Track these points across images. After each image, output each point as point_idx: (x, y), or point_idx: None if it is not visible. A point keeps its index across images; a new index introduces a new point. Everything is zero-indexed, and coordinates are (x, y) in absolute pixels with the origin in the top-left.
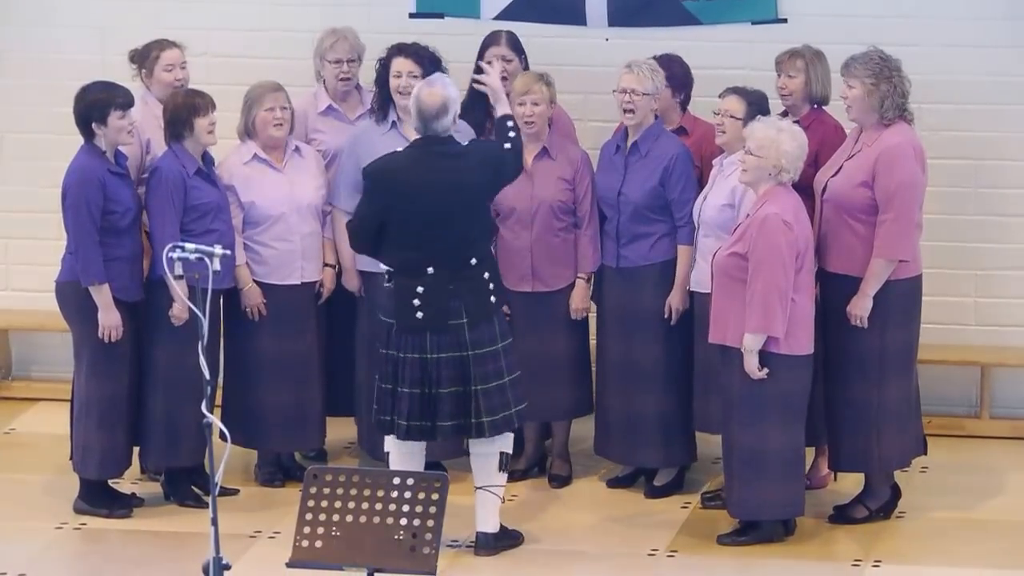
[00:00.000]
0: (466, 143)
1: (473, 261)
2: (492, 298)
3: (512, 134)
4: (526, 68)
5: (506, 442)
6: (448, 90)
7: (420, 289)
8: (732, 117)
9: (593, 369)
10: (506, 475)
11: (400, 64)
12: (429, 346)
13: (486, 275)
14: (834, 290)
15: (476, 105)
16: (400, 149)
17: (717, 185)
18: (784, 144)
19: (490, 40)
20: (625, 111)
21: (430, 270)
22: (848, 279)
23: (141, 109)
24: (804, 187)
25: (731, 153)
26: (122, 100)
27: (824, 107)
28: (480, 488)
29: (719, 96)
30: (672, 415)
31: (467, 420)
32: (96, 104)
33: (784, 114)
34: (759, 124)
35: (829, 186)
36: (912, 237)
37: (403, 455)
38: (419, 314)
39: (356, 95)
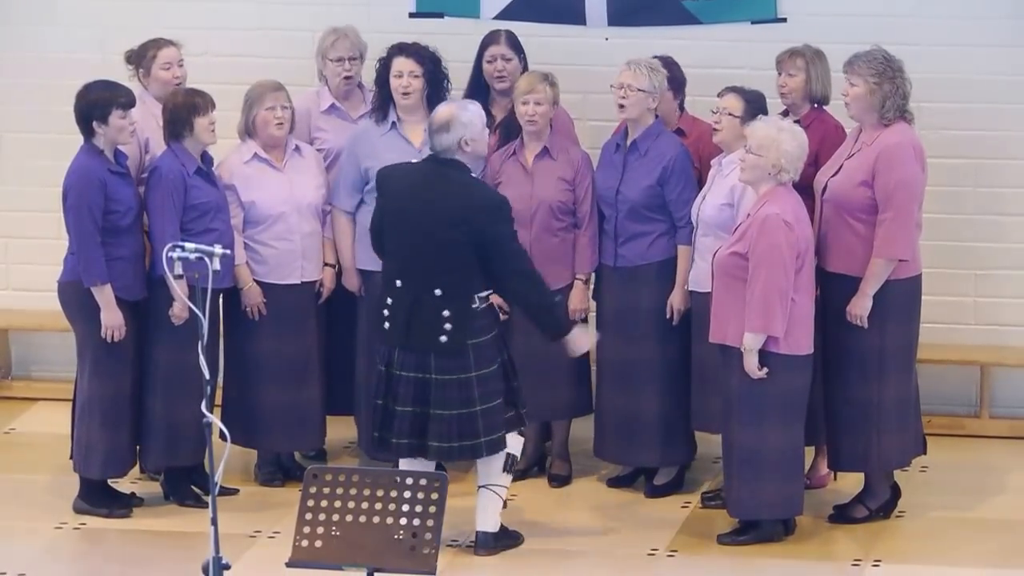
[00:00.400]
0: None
1: (437, 292)
2: (443, 338)
3: (558, 298)
4: (525, 67)
5: (514, 444)
6: (462, 114)
7: (389, 300)
8: (730, 115)
9: (593, 369)
10: (510, 476)
11: (401, 64)
12: (396, 361)
13: (445, 312)
14: (834, 290)
15: (476, 99)
16: (415, 147)
17: (716, 185)
18: (784, 144)
19: (489, 39)
20: (619, 106)
21: (398, 283)
22: (848, 279)
23: (139, 109)
24: (804, 187)
25: (728, 152)
26: (124, 100)
27: (824, 107)
28: (483, 486)
29: (717, 95)
30: (671, 414)
31: (420, 441)
32: (98, 103)
33: (785, 113)
34: (760, 123)
35: (829, 186)
36: (911, 236)
37: (413, 464)
38: (386, 324)
39: (359, 94)
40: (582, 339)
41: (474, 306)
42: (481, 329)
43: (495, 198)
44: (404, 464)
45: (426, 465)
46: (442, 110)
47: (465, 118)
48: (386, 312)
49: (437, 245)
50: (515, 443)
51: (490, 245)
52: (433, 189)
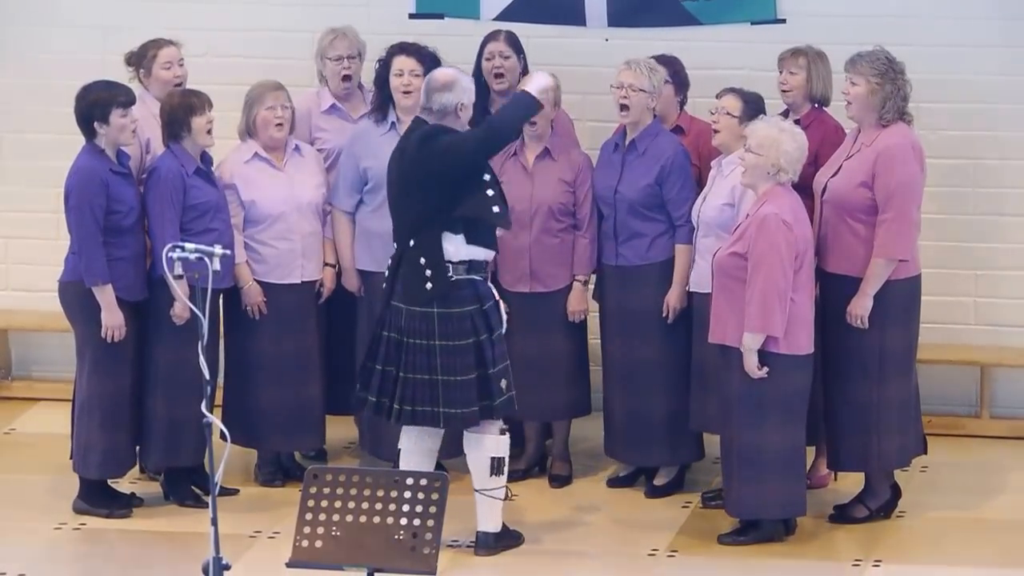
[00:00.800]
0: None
1: (411, 243)
2: (428, 285)
3: (506, 113)
4: (525, 68)
5: (496, 447)
6: (463, 78)
7: (389, 261)
8: (729, 114)
9: (596, 369)
10: (503, 477)
11: (402, 62)
12: (385, 322)
13: (422, 260)
14: (834, 290)
15: (475, 102)
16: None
17: (717, 185)
18: (784, 144)
19: (489, 37)
20: (620, 107)
21: (395, 245)
22: (847, 279)
23: (140, 109)
24: (803, 187)
25: (727, 153)
26: (124, 99)
27: (825, 107)
28: (477, 491)
29: (716, 96)
30: (676, 414)
31: (389, 401)
32: (98, 103)
33: (785, 113)
34: (761, 123)
35: (829, 186)
36: (911, 237)
37: (415, 452)
38: (384, 284)
39: (359, 94)
40: (538, 78)
41: (448, 274)
42: (457, 300)
43: (429, 129)
44: (409, 442)
45: (435, 442)
46: (444, 70)
47: (465, 83)
48: (386, 272)
49: (404, 197)
50: (497, 445)
51: (438, 169)
52: (406, 145)
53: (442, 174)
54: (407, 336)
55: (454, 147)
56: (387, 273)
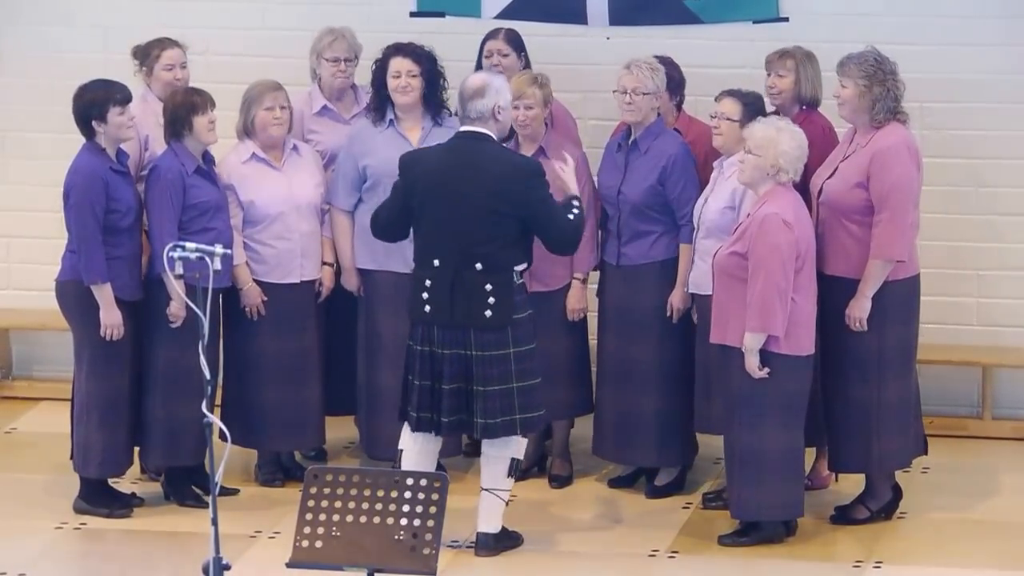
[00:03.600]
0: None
1: (478, 266)
2: (488, 312)
3: (575, 211)
4: (526, 66)
5: (518, 448)
6: (495, 80)
7: (428, 282)
8: (728, 119)
9: (594, 368)
10: (513, 480)
11: (399, 64)
12: (437, 340)
13: (488, 287)
14: (832, 293)
15: None
16: (413, 146)
17: (718, 187)
18: (783, 144)
19: (489, 35)
20: (626, 111)
21: (436, 263)
22: (845, 281)
23: (140, 106)
24: (801, 188)
25: (729, 155)
26: (120, 96)
27: (816, 108)
28: (486, 489)
29: (715, 99)
30: (671, 415)
31: (469, 418)
32: (95, 102)
33: (775, 114)
34: (759, 124)
35: (825, 188)
36: (908, 237)
37: (417, 453)
38: (427, 307)
39: (351, 94)
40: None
41: (515, 280)
42: (521, 304)
43: (531, 162)
44: (410, 442)
45: (436, 443)
46: (475, 77)
47: (498, 84)
48: (425, 295)
49: (477, 218)
50: (520, 447)
51: (532, 207)
52: (468, 163)
53: (530, 219)
54: (477, 349)
55: (559, 224)
56: (428, 295)
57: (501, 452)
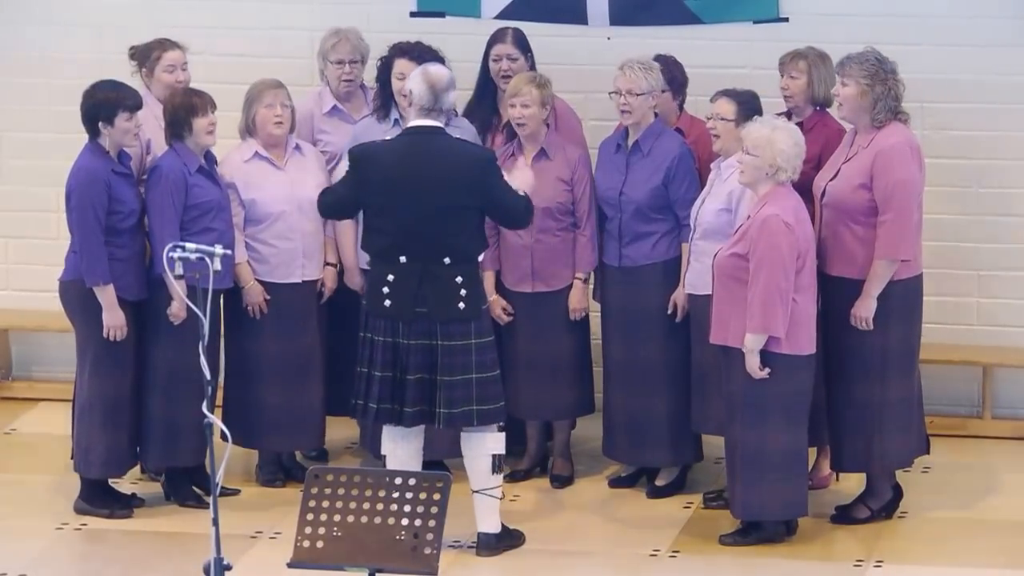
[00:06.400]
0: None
1: (446, 260)
2: (461, 304)
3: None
4: (533, 67)
5: (496, 444)
6: (447, 69)
7: (391, 277)
8: (723, 120)
9: (598, 370)
10: (501, 476)
11: (403, 66)
12: (401, 331)
13: (458, 279)
14: (835, 294)
15: (483, 102)
16: (389, 137)
17: (715, 189)
18: (779, 143)
19: (496, 37)
20: (622, 112)
21: (402, 259)
22: (849, 282)
23: (142, 109)
24: (803, 190)
25: (727, 156)
26: (131, 102)
27: (828, 109)
28: (476, 492)
29: (710, 100)
30: (677, 414)
31: (430, 408)
32: (105, 103)
33: (788, 116)
34: (754, 124)
35: (828, 190)
36: (913, 236)
37: (400, 456)
38: (387, 302)
39: (360, 95)
40: (519, 176)
41: (478, 271)
42: (482, 296)
43: (484, 150)
44: (391, 446)
45: (418, 442)
46: (440, 68)
47: (454, 78)
48: (386, 289)
49: (441, 213)
50: (497, 442)
51: (492, 194)
52: (427, 160)
53: (490, 206)
54: (443, 339)
55: (512, 206)
56: (390, 289)
57: (479, 451)
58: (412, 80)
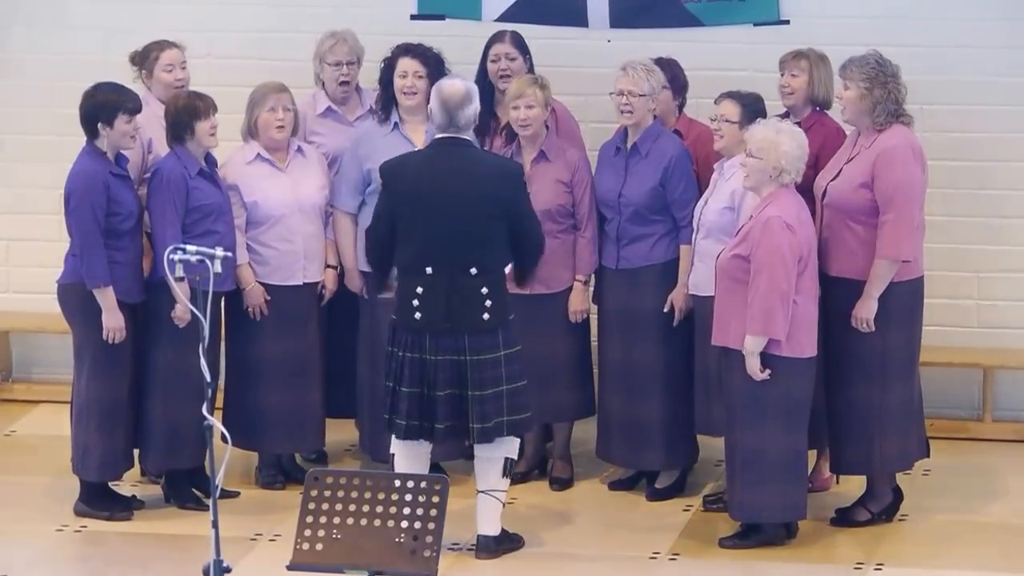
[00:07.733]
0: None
1: (473, 271)
2: (486, 315)
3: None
4: (531, 68)
5: (511, 448)
6: (471, 86)
7: (419, 290)
8: (728, 121)
9: (595, 371)
10: (509, 480)
11: (406, 64)
12: (428, 347)
13: (484, 290)
14: (836, 294)
15: (481, 105)
16: (417, 148)
17: (718, 189)
18: (783, 145)
19: (494, 38)
20: (623, 112)
21: (428, 270)
22: (850, 282)
23: (143, 110)
24: (804, 190)
25: (730, 157)
26: (131, 105)
27: (826, 111)
28: (482, 492)
29: (714, 102)
30: (673, 417)
31: (463, 423)
32: (105, 105)
33: (786, 115)
34: (758, 126)
35: (829, 190)
36: (914, 237)
37: (408, 457)
38: (417, 315)
39: (355, 97)
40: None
41: (505, 281)
42: (509, 306)
43: (513, 165)
44: (402, 448)
45: (426, 445)
46: (455, 84)
47: (474, 90)
48: (416, 302)
49: (468, 224)
50: (512, 446)
51: (520, 206)
52: (457, 169)
53: (516, 219)
54: (471, 354)
55: (531, 226)
56: (420, 302)
57: (494, 453)
58: (432, 96)
